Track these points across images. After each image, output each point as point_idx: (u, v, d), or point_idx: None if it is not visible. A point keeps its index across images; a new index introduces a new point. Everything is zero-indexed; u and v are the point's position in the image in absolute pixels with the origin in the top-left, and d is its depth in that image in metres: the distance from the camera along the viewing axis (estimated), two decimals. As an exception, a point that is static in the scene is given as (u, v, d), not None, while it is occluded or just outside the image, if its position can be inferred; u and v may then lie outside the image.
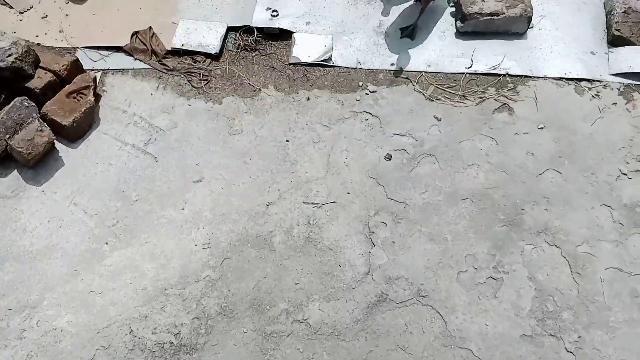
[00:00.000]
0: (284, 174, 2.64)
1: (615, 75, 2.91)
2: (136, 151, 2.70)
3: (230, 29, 3.20)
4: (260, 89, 2.98)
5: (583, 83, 2.92)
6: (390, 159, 2.70)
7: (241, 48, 3.15)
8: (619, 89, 2.89)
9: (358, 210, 2.53)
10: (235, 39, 3.18)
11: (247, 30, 3.18)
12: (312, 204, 2.54)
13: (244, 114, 2.88)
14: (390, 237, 2.44)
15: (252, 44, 3.14)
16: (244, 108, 2.90)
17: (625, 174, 2.61)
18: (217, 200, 2.55)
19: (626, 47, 2.97)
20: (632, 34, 2.97)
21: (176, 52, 3.08)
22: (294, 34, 3.15)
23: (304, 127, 2.83)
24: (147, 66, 3.03)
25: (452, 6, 3.18)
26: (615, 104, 2.83)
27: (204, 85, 2.97)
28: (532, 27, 3.11)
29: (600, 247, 2.42)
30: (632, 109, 2.81)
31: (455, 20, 3.14)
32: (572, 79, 2.93)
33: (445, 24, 3.19)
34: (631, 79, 2.90)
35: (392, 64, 3.04)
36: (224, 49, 3.14)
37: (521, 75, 2.96)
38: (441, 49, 3.08)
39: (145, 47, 3.06)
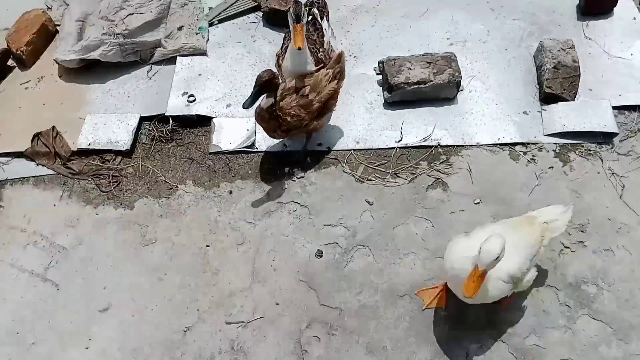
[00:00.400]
0: (204, 288, 2.37)
1: (550, 135, 2.74)
2: (35, 279, 2.40)
3: (143, 119, 2.94)
4: (177, 186, 2.72)
5: (518, 147, 2.74)
6: (321, 256, 2.46)
7: (156, 140, 2.89)
8: (554, 151, 2.72)
9: (288, 324, 2.27)
10: (149, 130, 2.92)
11: (162, 119, 2.92)
12: (236, 323, 2.28)
13: (159, 219, 2.60)
14: (324, 355, 2.19)
15: (167, 134, 2.89)
16: (159, 211, 2.63)
17: (567, 247, 2.43)
18: (126, 333, 2.26)
19: (559, 104, 2.82)
20: (564, 89, 2.82)
21: (83, 153, 2.80)
22: (213, 119, 2.90)
23: (226, 227, 2.57)
24: (50, 171, 2.74)
25: (378, 74, 2.98)
26: (552, 167, 2.66)
27: (114, 188, 2.69)
28: (462, 90, 2.94)
29: (549, 336, 2.22)
30: (569, 171, 2.64)
31: (383, 90, 2.94)
32: (506, 144, 2.75)
33: (373, 94, 2.99)
34: (566, 138, 2.74)
35: (320, 144, 2.81)
36: (136, 143, 2.87)
37: (453, 145, 2.76)
38: (369, 123, 2.87)
39: (48, 150, 2.77)
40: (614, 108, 2.80)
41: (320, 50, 2.64)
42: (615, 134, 2.70)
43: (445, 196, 2.61)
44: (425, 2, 3.35)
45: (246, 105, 2.34)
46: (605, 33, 3.12)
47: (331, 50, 2.72)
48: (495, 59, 3.05)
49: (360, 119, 2.89)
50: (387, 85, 2.88)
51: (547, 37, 3.09)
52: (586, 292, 2.31)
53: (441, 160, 2.72)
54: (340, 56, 2.59)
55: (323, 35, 2.71)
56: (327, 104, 2.60)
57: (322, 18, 2.79)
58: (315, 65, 2.59)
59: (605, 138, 2.72)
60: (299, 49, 2.39)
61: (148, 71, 3.12)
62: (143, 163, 2.80)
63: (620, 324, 2.21)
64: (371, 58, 3.11)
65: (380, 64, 2.95)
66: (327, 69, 2.56)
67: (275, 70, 2.56)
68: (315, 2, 2.83)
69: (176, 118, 2.91)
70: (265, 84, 2.33)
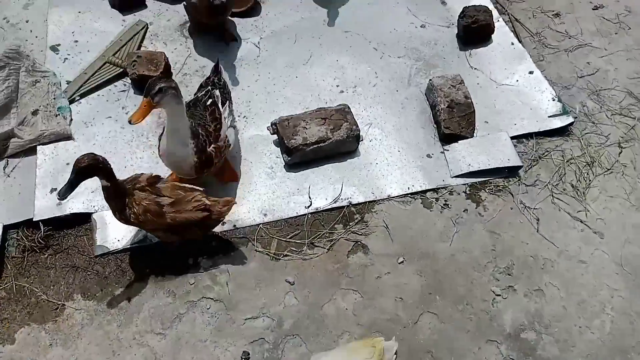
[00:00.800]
0: None
1: (458, 177, 2.64)
2: None
3: (7, 228, 2.42)
4: (63, 304, 2.25)
5: (429, 194, 2.61)
6: (248, 359, 2.14)
7: (28, 250, 2.39)
8: (465, 192, 2.62)
9: None
10: (17, 240, 2.41)
11: (32, 224, 2.43)
12: None
13: (49, 350, 2.14)
14: None
15: (41, 241, 2.39)
16: (47, 340, 2.16)
17: (499, 295, 2.32)
18: None
19: (459, 142, 2.73)
20: (462, 128, 2.73)
21: None
22: (93, 215, 2.46)
23: (131, 344, 2.16)
24: None
25: (273, 133, 2.71)
26: (466, 210, 2.55)
27: (-18, 324, 2.17)
28: (362, 140, 2.75)
29: (502, 397, 2.08)
30: (483, 211, 2.55)
31: (281, 152, 2.68)
32: (416, 192, 2.60)
33: (272, 156, 2.71)
34: (474, 177, 2.65)
35: (223, 223, 2.48)
36: (4, 258, 2.35)
37: (365, 202, 2.56)
38: (274, 190, 2.59)
39: None
40: (512, 138, 2.77)
41: (213, 145, 2.31)
42: (520, 167, 2.65)
43: (368, 260, 2.40)
44: (306, 47, 3.14)
45: (60, 195, 1.95)
46: (488, 61, 3.11)
47: (226, 147, 2.39)
48: (388, 102, 2.91)
49: (263, 186, 2.60)
50: (284, 148, 2.62)
51: (435, 72, 3.03)
52: (526, 340, 2.20)
53: (356, 220, 2.51)
54: (229, 204, 2.23)
55: (220, 128, 2.37)
56: (190, 230, 2.21)
57: (223, 103, 2.45)
58: (199, 162, 2.24)
59: (510, 172, 2.67)
60: (130, 122, 2.04)
61: (4, 167, 2.59)
62: (17, 282, 2.30)
63: (564, 369, 2.14)
64: (262, 117, 2.83)
65: (273, 125, 2.68)
66: (203, 197, 2.17)
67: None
68: (216, 82, 2.51)
69: (48, 221, 2.43)
70: (85, 170, 1.95)
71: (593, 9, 3.50)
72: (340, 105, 2.74)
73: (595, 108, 2.96)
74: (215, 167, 2.34)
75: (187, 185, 2.22)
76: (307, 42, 3.17)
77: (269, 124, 2.72)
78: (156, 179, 2.18)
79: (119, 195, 2.08)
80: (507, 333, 2.22)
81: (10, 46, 2.74)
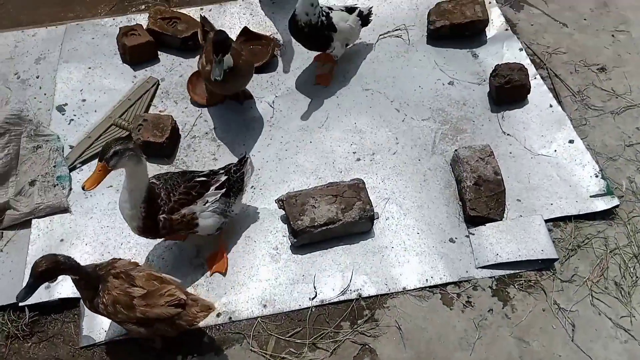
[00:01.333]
0: None
1: (483, 267, 2.26)
2: None
3: (-6, 311, 2.21)
4: (41, 405, 2.01)
5: (449, 287, 2.24)
6: None
7: (12, 337, 2.17)
8: (491, 287, 2.24)
9: None
10: (2, 324, 2.19)
11: (18, 308, 2.21)
12: None
13: None
14: None
15: (25, 328, 2.17)
16: None
17: (527, 419, 1.93)
18: None
19: (487, 225, 2.35)
20: (490, 209, 2.36)
21: None
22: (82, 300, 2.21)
23: None
24: None
25: (281, 207, 2.40)
26: (491, 310, 2.18)
27: None
28: (377, 218, 2.42)
29: None
30: (511, 313, 2.17)
31: (288, 232, 2.37)
32: (436, 286, 2.24)
33: (277, 234, 2.41)
34: (501, 268, 2.27)
35: (218, 314, 2.19)
36: (-15, 348, 2.14)
37: (377, 295, 2.22)
38: (277, 276, 2.28)
39: None
40: (547, 221, 2.37)
41: (165, 215, 2.04)
42: (556, 259, 2.25)
43: (376, 368, 2.06)
44: (323, 107, 2.83)
45: (19, 299, 1.76)
46: (523, 126, 2.71)
47: (184, 225, 2.10)
48: (409, 173, 2.56)
49: (266, 271, 2.30)
50: (290, 228, 2.31)
51: (462, 138, 2.66)
52: None
53: (365, 318, 2.18)
54: (207, 311, 1.94)
55: (184, 204, 2.08)
56: (161, 327, 1.92)
57: (225, 193, 2.20)
58: (143, 227, 2.01)
59: (544, 263, 2.27)
60: (83, 188, 1.86)
61: (-1, 239, 2.40)
62: (-5, 378, 2.09)
63: None
64: (271, 187, 2.54)
65: (279, 202, 2.38)
66: (177, 291, 1.89)
67: None
68: (232, 172, 2.25)
69: (34, 306, 2.21)
70: (43, 275, 1.74)
71: (644, 62, 3.04)
72: (354, 180, 2.41)
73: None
74: (167, 235, 2.13)
75: (165, 275, 1.95)
76: (324, 102, 2.85)
77: (277, 198, 2.41)
78: (134, 265, 1.93)
79: (89, 287, 1.86)
80: None
81: (11, 111, 2.54)
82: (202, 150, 2.68)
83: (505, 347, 2.08)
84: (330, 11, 2.67)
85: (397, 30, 3.17)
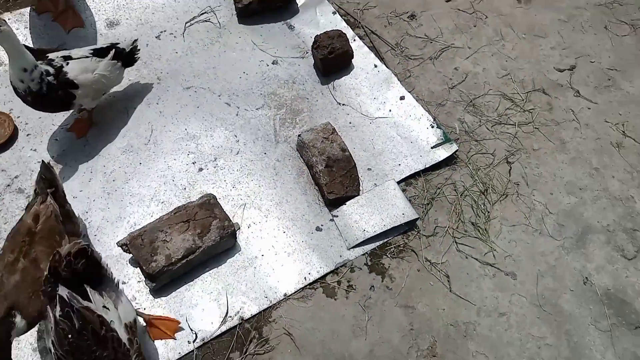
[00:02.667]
0: None
1: (354, 247, 2.25)
2: None
3: None
4: None
5: (329, 277, 2.20)
6: None
7: None
8: (367, 264, 2.25)
9: None
10: None
11: None
12: None
13: None
14: None
15: None
16: None
17: (430, 382, 2.01)
18: None
19: (347, 204, 2.33)
20: (347, 187, 2.33)
21: None
22: None
23: None
24: None
25: (126, 251, 2.11)
26: (373, 287, 2.19)
27: None
28: (239, 229, 2.26)
29: None
30: (390, 283, 2.21)
31: (143, 276, 2.11)
32: (316, 281, 2.18)
33: (132, 281, 2.13)
34: (371, 242, 2.28)
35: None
36: None
37: (260, 312, 2.10)
38: (144, 330, 2.02)
39: None
40: (399, 182, 2.42)
41: None
42: (417, 218, 2.32)
43: (279, 387, 1.97)
44: (144, 120, 2.52)
45: None
46: (355, 92, 2.70)
47: None
48: (258, 170, 2.42)
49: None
50: (145, 273, 2.05)
51: (301, 119, 2.57)
52: None
53: (253, 339, 2.05)
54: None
55: None
56: None
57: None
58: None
59: (408, 225, 2.33)
60: None
61: None
62: None
63: None
64: (107, 229, 2.23)
65: (124, 247, 2.08)
66: None
67: None
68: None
69: None
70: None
71: (446, 1, 3.20)
72: (203, 197, 2.20)
73: (474, 122, 2.69)
74: None
75: None
76: (143, 113, 2.54)
77: (118, 241, 2.12)
78: None
79: None
80: None
81: None
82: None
83: (395, 320, 2.11)
84: (64, 64, 2.18)
85: (203, 14, 2.92)
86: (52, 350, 1.58)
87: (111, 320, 1.64)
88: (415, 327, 2.10)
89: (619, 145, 2.64)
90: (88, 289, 1.64)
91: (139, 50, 2.51)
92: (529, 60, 2.94)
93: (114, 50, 2.35)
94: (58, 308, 1.56)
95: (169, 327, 1.96)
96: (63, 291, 1.58)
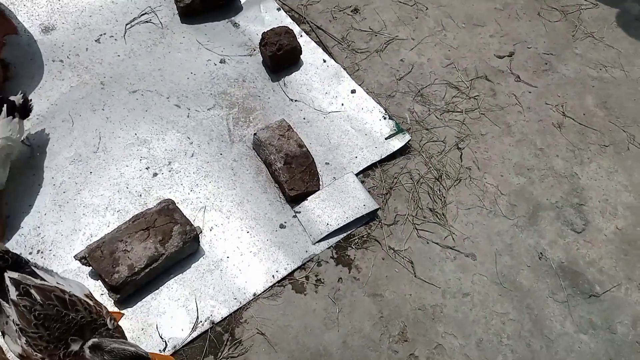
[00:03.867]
0: None
1: (319, 242, 2.30)
2: None
3: None
4: None
5: (297, 273, 2.24)
6: None
7: None
8: (333, 257, 2.30)
9: None
10: None
11: None
12: None
13: None
14: None
15: None
16: None
17: (403, 366, 2.09)
18: None
19: (309, 199, 2.37)
20: (307, 184, 2.37)
21: None
22: None
23: None
24: None
25: (85, 264, 2.06)
26: (341, 279, 2.25)
27: None
28: (202, 233, 2.25)
29: None
30: (357, 274, 2.27)
31: (106, 289, 2.06)
32: (284, 278, 2.21)
33: (95, 294, 2.06)
34: (336, 235, 2.34)
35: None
36: None
37: (230, 315, 2.11)
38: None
39: None
40: (357, 175, 2.49)
41: None
42: (378, 208, 2.40)
43: (256, 388, 1.98)
44: (90, 128, 2.46)
45: None
46: (307, 88, 2.74)
47: None
48: (216, 171, 2.41)
49: (96, 341, 1.97)
50: (107, 286, 2.01)
51: (255, 118, 2.59)
52: (444, 410, 2.02)
53: (226, 342, 2.05)
54: None
55: None
56: None
57: None
58: None
59: (369, 215, 2.40)
60: None
61: None
62: None
63: None
64: (62, 242, 2.17)
65: (83, 260, 2.03)
66: None
67: None
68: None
69: None
70: None
71: (387, -6, 3.30)
72: (161, 203, 2.17)
73: (423, 111, 2.80)
74: None
75: None
76: (89, 120, 2.47)
77: (76, 255, 2.06)
78: None
79: None
80: (423, 409, 2.01)
81: None
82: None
83: (365, 309, 2.18)
84: None
85: (143, 15, 2.87)
86: (23, 340, 1.53)
87: (70, 290, 1.62)
88: (385, 315, 2.17)
89: (560, 126, 2.82)
90: (36, 270, 1.62)
91: (31, 101, 2.23)
92: (470, 49, 3.08)
93: (5, 105, 2.08)
94: (13, 290, 1.52)
95: None
96: (13, 274, 1.55)
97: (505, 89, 2.95)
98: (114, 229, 2.08)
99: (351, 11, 3.17)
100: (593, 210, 2.53)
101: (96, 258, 1.99)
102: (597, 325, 2.21)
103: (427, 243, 2.37)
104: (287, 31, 2.71)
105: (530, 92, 2.96)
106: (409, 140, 2.62)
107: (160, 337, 2.00)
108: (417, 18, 3.21)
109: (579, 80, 3.03)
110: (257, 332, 2.08)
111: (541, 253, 2.38)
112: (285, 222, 2.32)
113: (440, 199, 2.50)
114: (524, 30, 3.22)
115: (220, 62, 2.76)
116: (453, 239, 2.40)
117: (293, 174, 2.34)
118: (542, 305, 2.24)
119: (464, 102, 2.86)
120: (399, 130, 2.62)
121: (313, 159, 2.41)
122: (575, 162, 2.69)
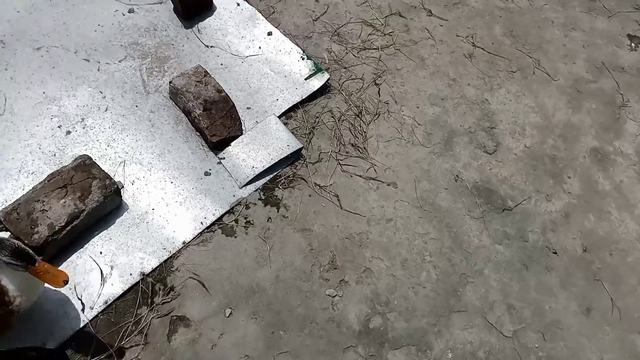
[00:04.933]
0: None
1: (246, 185, 2.23)
2: None
3: None
4: None
5: (226, 218, 2.16)
6: None
7: None
8: (261, 199, 2.23)
9: None
10: None
11: None
12: None
13: None
14: None
15: None
16: None
17: (335, 295, 2.10)
18: None
19: (232, 144, 2.27)
20: (229, 129, 2.26)
21: None
22: None
23: None
24: None
25: (2, 229, 1.90)
26: (270, 219, 2.20)
27: None
28: (123, 187, 2.12)
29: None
30: (286, 212, 2.22)
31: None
32: (213, 224, 2.13)
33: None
34: (263, 177, 2.26)
35: None
36: None
37: (161, 265, 2.02)
38: (40, 309, 1.86)
39: None
40: (280, 117, 2.40)
41: None
42: (302, 147, 2.33)
43: (194, 332, 1.93)
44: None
45: None
46: (222, 33, 2.58)
47: None
48: (133, 124, 2.26)
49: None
50: (23, 254, 1.85)
51: (170, 66, 2.42)
52: (376, 328, 2.06)
53: (159, 291, 1.98)
54: None
55: None
56: None
57: None
58: None
59: (294, 155, 2.33)
60: None
61: None
62: None
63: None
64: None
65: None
66: None
67: None
68: None
69: None
70: None
71: None
72: (77, 159, 2.01)
73: (341, 50, 2.71)
74: None
75: None
76: (-10, 82, 2.23)
77: (-11, 220, 1.88)
78: None
79: None
80: (357, 332, 2.04)
81: None
82: None
83: (295, 244, 2.15)
84: None
85: (40, -34, 2.56)
86: None
87: None
88: (314, 247, 2.15)
89: (471, 56, 2.82)
90: None
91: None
92: (383, -14, 2.99)
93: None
94: None
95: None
96: None
97: (418, 24, 2.90)
98: (29, 190, 1.92)
99: (262, -47, 2.97)
100: (503, 132, 2.57)
101: (12, 221, 1.83)
102: (510, 235, 2.29)
103: (351, 177, 2.34)
104: (195, -25, 2.51)
105: (442, 26, 2.92)
106: (328, 79, 2.54)
107: (80, 300, 1.88)
108: (329, -42, 3.05)
109: (487, 11, 3.02)
110: (190, 278, 2.01)
111: (457, 176, 2.41)
112: (210, 169, 2.22)
113: (361, 134, 2.47)
114: (433, -35, 3.14)
115: (129, 11, 2.53)
116: (375, 170, 2.38)
117: (214, 120, 2.22)
118: (460, 223, 2.28)
119: (380, 39, 2.79)
120: (317, 70, 2.53)
121: (233, 103, 2.29)
122: (485, 89, 2.71)
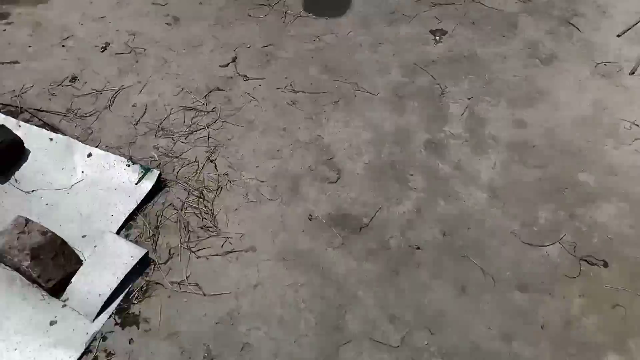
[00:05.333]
0: None
1: (98, 317, 2.06)
2: None
3: None
4: None
5: (84, 359, 1.98)
6: None
7: None
8: (118, 324, 2.07)
9: None
10: None
11: None
12: None
13: None
14: None
15: None
16: None
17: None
18: None
19: (72, 280, 2.12)
20: (65, 265, 2.12)
21: None
22: None
23: None
24: None
25: None
26: (131, 340, 2.03)
27: None
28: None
29: None
30: (148, 327, 2.07)
31: None
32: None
33: None
34: (113, 300, 2.12)
35: None
36: None
37: None
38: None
39: None
40: (119, 232, 2.30)
41: None
42: (147, 252, 2.22)
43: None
44: None
45: None
46: (41, 173, 2.48)
47: None
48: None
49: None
50: None
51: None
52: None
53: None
54: None
55: None
56: None
57: None
58: None
59: (142, 263, 2.21)
60: None
61: None
62: None
63: None
64: None
65: None
66: None
67: None
68: None
69: None
70: None
71: (101, 51, 3.13)
72: None
73: (169, 143, 2.68)
74: None
75: None
76: None
77: None
78: None
79: None
80: None
81: None
82: None
83: (164, 355, 1.99)
84: None
85: None
86: None
87: None
88: (186, 348, 2.00)
89: (294, 102, 2.85)
90: None
91: None
92: (196, 69, 3.02)
93: None
94: None
95: None
96: None
97: (238, 91, 2.93)
98: None
99: (70, 81, 2.96)
100: (342, 159, 2.57)
101: None
102: (373, 249, 2.23)
103: (207, 259, 2.25)
104: (0, 127, 2.43)
105: (260, 85, 2.96)
106: (160, 175, 2.48)
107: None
108: (137, 62, 3.09)
109: (298, 57, 3.10)
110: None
111: (310, 215, 2.36)
112: (55, 317, 2.06)
113: (208, 214, 2.39)
114: (240, 34, 3.23)
115: (-61, 189, 2.40)
116: (230, 242, 2.30)
117: (45, 265, 2.08)
118: (324, 258, 2.21)
119: (204, 118, 2.79)
120: (146, 171, 2.47)
121: (62, 239, 2.17)
122: (315, 126, 2.73)
